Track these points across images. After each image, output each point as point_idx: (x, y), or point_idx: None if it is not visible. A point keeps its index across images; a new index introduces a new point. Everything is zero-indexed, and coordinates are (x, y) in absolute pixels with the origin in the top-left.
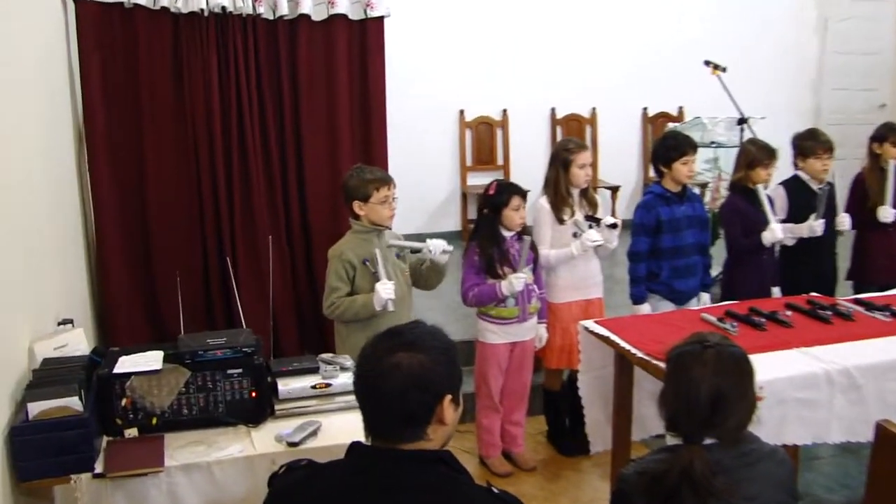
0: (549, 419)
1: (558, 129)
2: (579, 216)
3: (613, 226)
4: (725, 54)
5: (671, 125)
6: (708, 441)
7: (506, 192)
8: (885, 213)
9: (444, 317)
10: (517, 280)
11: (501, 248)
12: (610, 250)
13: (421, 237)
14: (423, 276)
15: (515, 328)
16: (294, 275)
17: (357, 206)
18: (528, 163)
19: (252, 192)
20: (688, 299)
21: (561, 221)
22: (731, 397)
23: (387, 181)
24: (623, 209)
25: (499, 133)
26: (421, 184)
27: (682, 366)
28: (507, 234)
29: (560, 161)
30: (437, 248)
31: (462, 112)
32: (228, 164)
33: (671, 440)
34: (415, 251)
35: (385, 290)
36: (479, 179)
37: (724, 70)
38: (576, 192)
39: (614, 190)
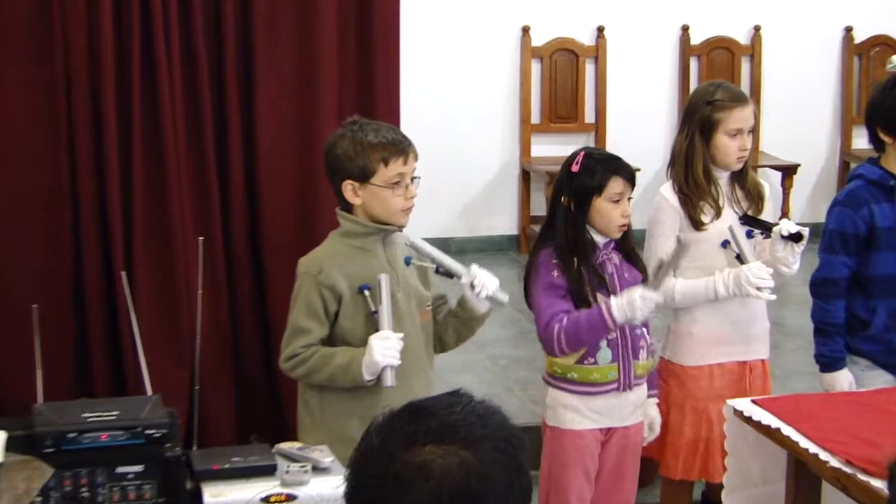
0: None
1: (693, 65)
2: (732, 218)
3: (796, 237)
4: None
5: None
6: None
7: (600, 169)
8: None
9: (485, 381)
10: (643, 299)
11: (590, 262)
12: (785, 276)
13: (445, 244)
14: (441, 326)
15: (612, 402)
16: (235, 303)
17: (350, 190)
18: (638, 122)
19: (166, 170)
20: None
21: (698, 225)
22: None
23: (402, 149)
24: (802, 206)
25: (589, 69)
26: (453, 155)
27: None
28: (599, 239)
29: (698, 122)
30: (484, 284)
31: (526, 32)
32: (126, 123)
33: None
34: (446, 273)
35: (383, 350)
36: (554, 148)
37: None
38: (724, 177)
39: (788, 171)
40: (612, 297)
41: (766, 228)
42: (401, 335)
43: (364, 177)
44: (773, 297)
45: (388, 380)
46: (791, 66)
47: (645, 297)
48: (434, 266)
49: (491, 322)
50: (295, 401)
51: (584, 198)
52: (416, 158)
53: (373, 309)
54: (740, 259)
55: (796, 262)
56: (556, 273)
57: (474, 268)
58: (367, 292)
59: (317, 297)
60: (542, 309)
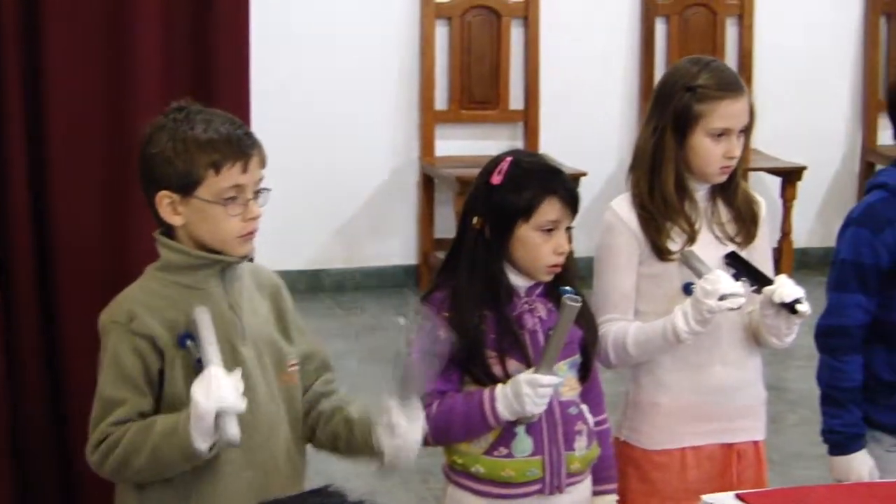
0: None
1: (659, 29)
2: (712, 246)
3: (792, 306)
4: None
5: None
6: None
7: (532, 183)
8: None
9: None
10: (535, 388)
11: (505, 314)
12: (783, 345)
13: (317, 278)
14: (320, 418)
15: None
16: (12, 366)
17: (166, 205)
18: (583, 108)
19: None
20: None
21: (663, 254)
22: None
23: (241, 150)
24: (809, 224)
25: (515, 34)
26: (326, 155)
27: None
28: (521, 282)
29: (672, 114)
30: (403, 445)
31: None
32: None
33: None
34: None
35: (211, 393)
36: (467, 145)
37: None
38: (703, 188)
39: (790, 177)
40: (499, 386)
41: (759, 281)
42: (238, 371)
43: (186, 187)
44: (742, 300)
45: (229, 429)
46: (794, 31)
47: (534, 383)
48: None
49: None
50: None
51: (504, 221)
52: (262, 164)
53: (196, 356)
54: None
55: (791, 334)
56: (440, 332)
57: (417, 409)
58: (190, 343)
59: (130, 355)
60: None
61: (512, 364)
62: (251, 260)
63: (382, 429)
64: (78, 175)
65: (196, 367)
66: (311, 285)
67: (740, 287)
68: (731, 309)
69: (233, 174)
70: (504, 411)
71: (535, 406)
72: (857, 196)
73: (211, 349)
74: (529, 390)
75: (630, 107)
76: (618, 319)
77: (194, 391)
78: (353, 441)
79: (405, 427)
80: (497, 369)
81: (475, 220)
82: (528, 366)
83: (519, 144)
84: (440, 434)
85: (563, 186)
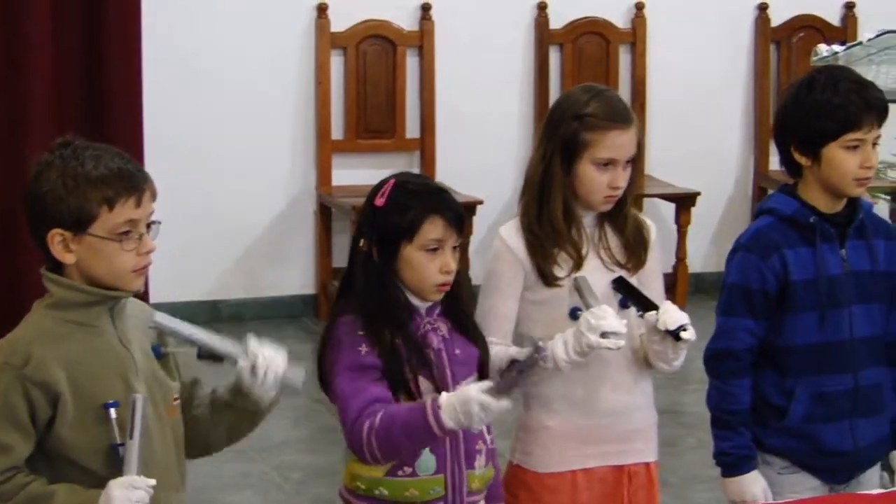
0: None
1: (553, 56)
2: (599, 271)
3: (677, 333)
4: None
5: (823, 51)
6: None
7: (414, 204)
8: None
9: (271, 501)
10: (486, 411)
11: (408, 333)
12: (672, 369)
13: (216, 309)
14: (205, 423)
15: None
16: None
17: (58, 243)
18: (478, 136)
19: None
20: (855, 469)
21: (549, 280)
22: None
23: (135, 185)
24: (704, 249)
25: (411, 63)
26: (221, 186)
27: None
28: (419, 302)
29: (560, 142)
30: (270, 366)
31: (323, 12)
32: None
33: None
34: (211, 357)
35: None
36: (363, 174)
37: None
38: (589, 217)
39: (684, 203)
40: (443, 395)
41: (646, 307)
42: (152, 482)
43: (79, 224)
44: (622, 343)
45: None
46: (686, 58)
47: (486, 406)
48: (195, 350)
49: (276, 418)
50: None
51: (389, 243)
52: (153, 197)
53: (118, 440)
54: None
55: (678, 358)
56: (363, 348)
57: (252, 343)
58: (113, 412)
59: (20, 400)
60: (347, 398)
61: (423, 383)
62: (136, 293)
63: (256, 379)
64: None
65: (113, 447)
66: (210, 316)
67: (623, 327)
68: (609, 349)
69: (126, 209)
70: (449, 420)
71: (481, 424)
72: (750, 221)
73: (136, 449)
74: (479, 411)
75: (525, 134)
76: (495, 343)
77: (114, 497)
78: (241, 409)
79: (264, 360)
80: (415, 385)
81: (362, 242)
82: (436, 384)
83: (415, 172)
84: (384, 445)
85: (446, 205)
